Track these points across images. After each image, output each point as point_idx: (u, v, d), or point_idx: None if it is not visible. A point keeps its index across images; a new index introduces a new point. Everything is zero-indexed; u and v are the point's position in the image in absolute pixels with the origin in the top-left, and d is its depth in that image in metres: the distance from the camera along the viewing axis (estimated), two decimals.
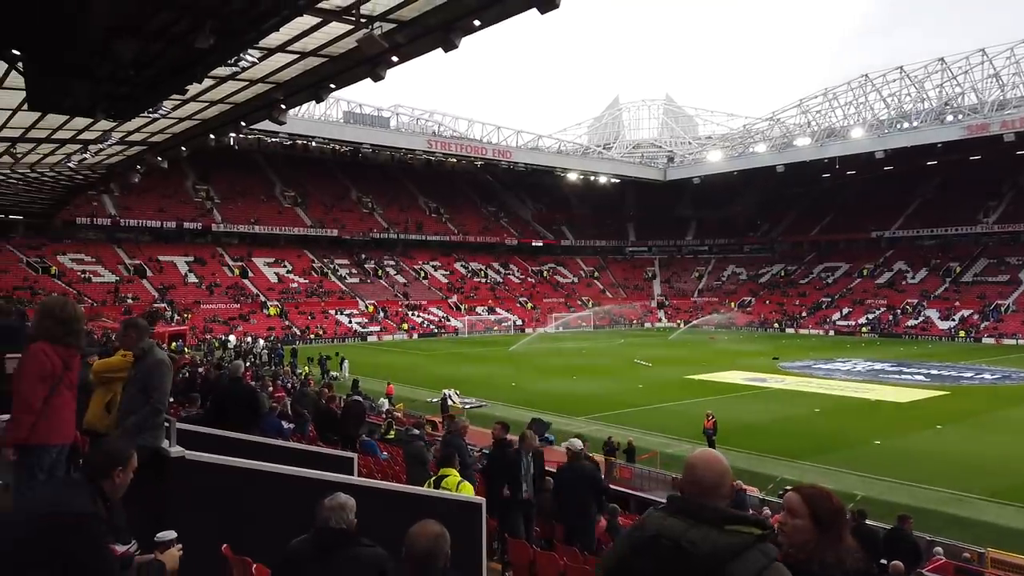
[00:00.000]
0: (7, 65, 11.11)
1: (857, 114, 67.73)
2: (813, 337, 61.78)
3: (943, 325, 59.89)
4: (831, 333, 63.41)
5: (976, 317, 59.00)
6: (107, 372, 5.44)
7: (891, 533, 9.97)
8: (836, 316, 66.59)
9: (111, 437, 3.16)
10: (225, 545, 3.77)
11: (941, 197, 72.37)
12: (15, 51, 9.91)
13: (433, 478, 6.83)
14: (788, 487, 13.40)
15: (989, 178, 68.76)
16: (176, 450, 4.82)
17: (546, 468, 9.53)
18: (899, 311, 63.59)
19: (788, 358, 43.37)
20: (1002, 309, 58.79)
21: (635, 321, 73.30)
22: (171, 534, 3.15)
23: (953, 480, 17.72)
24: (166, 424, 5.01)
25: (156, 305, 51.02)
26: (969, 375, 36.80)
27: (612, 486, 14.93)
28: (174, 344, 36.18)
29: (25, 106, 13.82)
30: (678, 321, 70.91)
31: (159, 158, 24.05)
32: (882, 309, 64.84)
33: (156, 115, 16.11)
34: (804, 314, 68.54)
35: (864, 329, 62.54)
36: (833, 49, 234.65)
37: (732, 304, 74.18)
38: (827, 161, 69.86)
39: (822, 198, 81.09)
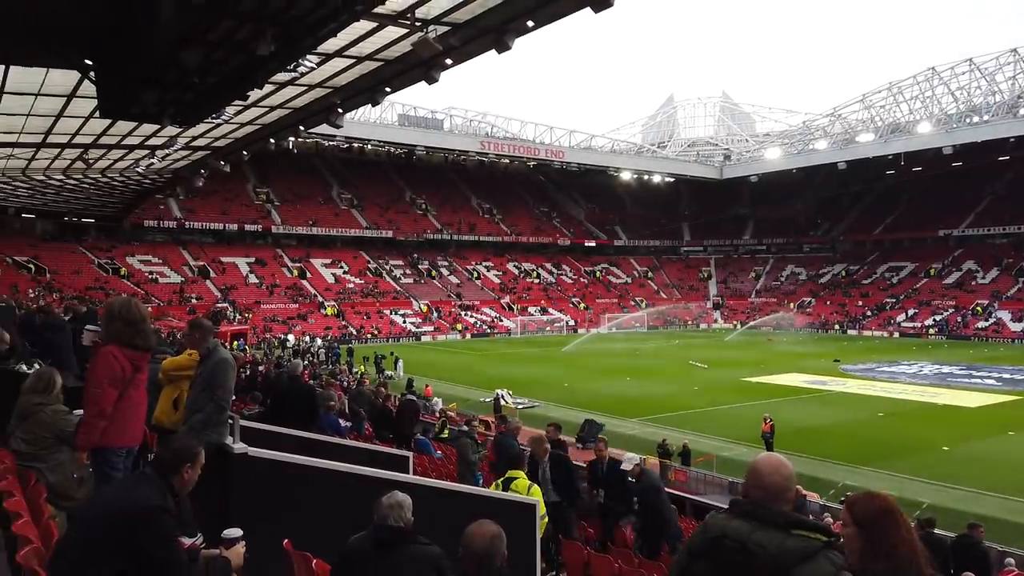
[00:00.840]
0: (80, 75, 11.62)
1: (924, 108, 65.29)
2: (876, 339, 59.88)
3: (1016, 327, 57.28)
4: (896, 335, 61.32)
5: None
6: (175, 371, 5.64)
7: (959, 540, 9.58)
8: (901, 317, 64.39)
9: (179, 434, 3.26)
10: (286, 540, 3.86)
11: (1014, 193, 69.16)
12: (88, 61, 10.36)
13: (501, 479, 6.74)
14: (849, 493, 13.04)
15: None
16: (239, 447, 4.95)
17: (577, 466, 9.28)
18: (968, 312, 61.10)
19: (850, 360, 42.15)
20: None
21: (690, 322, 72.26)
22: (237, 532, 3.24)
23: None
24: (230, 421, 5.15)
25: (219, 305, 52.67)
26: None
27: (667, 489, 14.74)
28: (235, 343, 37.29)
29: (97, 114, 14.42)
30: (734, 322, 69.63)
31: (221, 162, 24.79)
32: (950, 310, 62.44)
33: (219, 120, 16.60)
34: (869, 314, 66.49)
35: (931, 331, 60.33)
36: (897, 42, 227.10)
37: (791, 305, 72.45)
38: (891, 158, 67.52)
39: (886, 196, 78.50)
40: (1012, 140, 60.24)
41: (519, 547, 4.81)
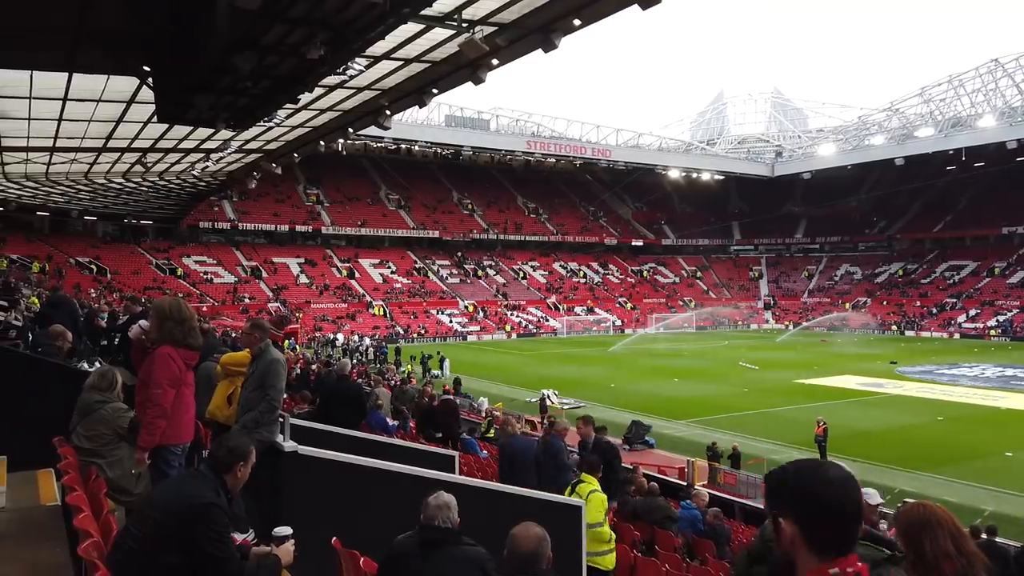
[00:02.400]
0: (139, 81, 12.00)
1: (986, 102, 62.90)
2: (936, 340, 57.93)
3: None
4: (956, 336, 59.25)
5: None
6: (233, 365, 5.76)
7: (1022, 551, 9.19)
8: (962, 318, 62.19)
9: (233, 433, 3.36)
10: (335, 538, 3.91)
11: None
12: (146, 68, 10.69)
13: (572, 482, 6.71)
14: (907, 499, 12.62)
15: None
16: (289, 445, 5.03)
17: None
18: None
19: (908, 362, 40.90)
20: None
21: (740, 322, 71.03)
22: (287, 530, 3.30)
23: None
24: (280, 420, 5.24)
25: (271, 305, 53.83)
26: None
27: (716, 492, 14.55)
28: (287, 342, 37.99)
29: (154, 119, 14.87)
30: (786, 323, 68.23)
31: (273, 164, 25.36)
32: (1015, 311, 60.02)
33: (271, 124, 16.97)
34: (934, 312, 64.37)
35: (993, 332, 58.09)
36: (957, 33, 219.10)
37: (846, 305, 70.66)
38: (952, 153, 65.20)
39: (946, 192, 75.82)
40: None
41: (564, 549, 4.78)
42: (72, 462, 4.56)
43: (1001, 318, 59.71)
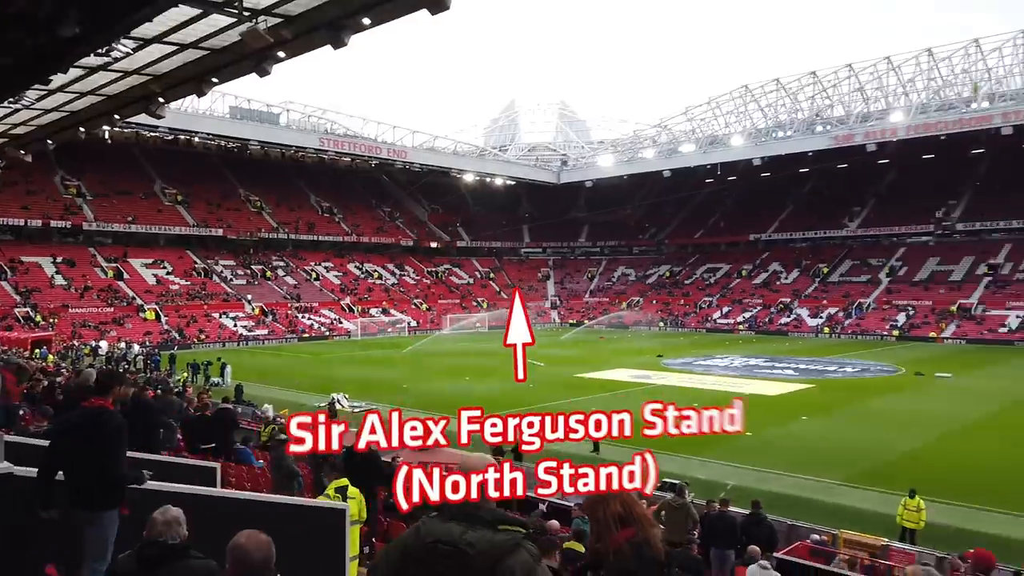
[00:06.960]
0: None
1: (738, 123, 71.50)
2: (696, 335, 64.48)
3: (812, 322, 63.98)
4: (712, 331, 66.39)
5: (841, 315, 63.47)
6: None
7: (748, 518, 10.84)
8: (716, 315, 69.84)
9: None
10: (50, 566, 3.63)
11: (811, 202, 77.44)
12: None
13: (333, 487, 6.62)
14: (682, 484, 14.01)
15: (853, 185, 74.37)
16: (3, 466, 4.51)
17: None
18: (773, 309, 67.46)
19: (672, 355, 45.13)
20: (864, 307, 63.57)
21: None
22: None
23: (815, 467, 19.06)
24: None
25: (17, 310, 47.55)
26: (833, 369, 39.56)
27: None
28: (37, 351, 33.91)
29: None
30: (570, 321, 72.43)
31: (21, 151, 22.52)
32: (758, 308, 68.57)
33: (17, 106, 15.18)
34: (708, 309, 71.45)
35: (741, 327, 65.87)
36: (722, 56, 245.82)
37: (622, 304, 76.50)
38: (710, 167, 73.36)
39: (706, 202, 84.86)
40: (810, 154, 67.35)
41: (327, 552, 4.80)
42: None
43: (747, 315, 67.89)
